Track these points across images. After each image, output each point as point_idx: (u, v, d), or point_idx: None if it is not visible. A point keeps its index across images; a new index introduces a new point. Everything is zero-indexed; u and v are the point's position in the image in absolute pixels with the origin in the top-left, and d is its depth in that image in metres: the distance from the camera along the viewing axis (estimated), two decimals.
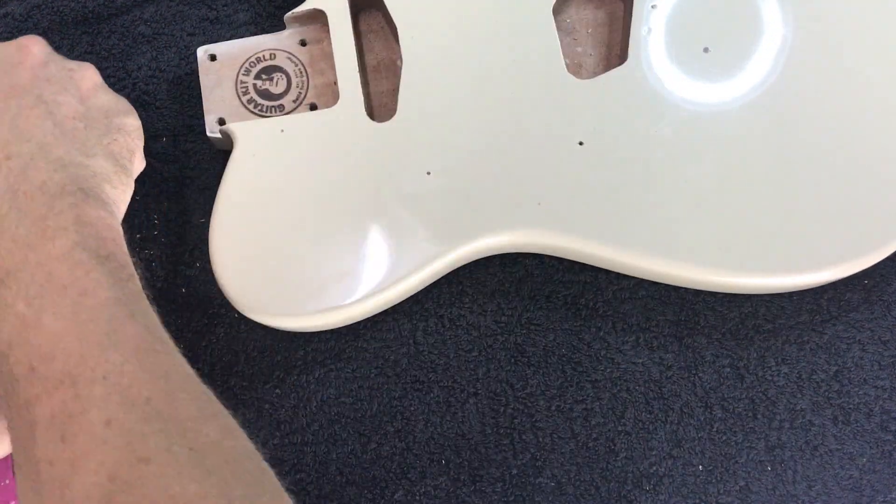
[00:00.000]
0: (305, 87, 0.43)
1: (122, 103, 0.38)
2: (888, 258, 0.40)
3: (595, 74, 0.43)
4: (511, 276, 0.43)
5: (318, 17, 0.43)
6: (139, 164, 0.39)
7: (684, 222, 0.39)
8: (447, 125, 0.41)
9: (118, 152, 0.36)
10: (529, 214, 0.40)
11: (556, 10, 0.42)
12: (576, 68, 0.44)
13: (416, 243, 0.39)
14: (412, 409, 0.42)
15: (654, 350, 0.42)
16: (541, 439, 0.41)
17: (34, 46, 0.35)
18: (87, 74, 0.37)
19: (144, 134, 0.45)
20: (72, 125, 0.34)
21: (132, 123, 0.38)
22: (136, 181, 0.44)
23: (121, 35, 0.46)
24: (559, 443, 0.41)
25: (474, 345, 0.42)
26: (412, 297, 0.41)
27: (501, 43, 0.41)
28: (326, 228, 0.39)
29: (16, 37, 0.45)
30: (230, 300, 0.39)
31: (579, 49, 0.44)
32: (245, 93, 0.42)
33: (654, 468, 0.41)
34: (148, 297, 0.32)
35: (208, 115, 0.42)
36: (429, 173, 0.40)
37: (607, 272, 0.42)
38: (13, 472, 0.35)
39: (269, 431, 0.41)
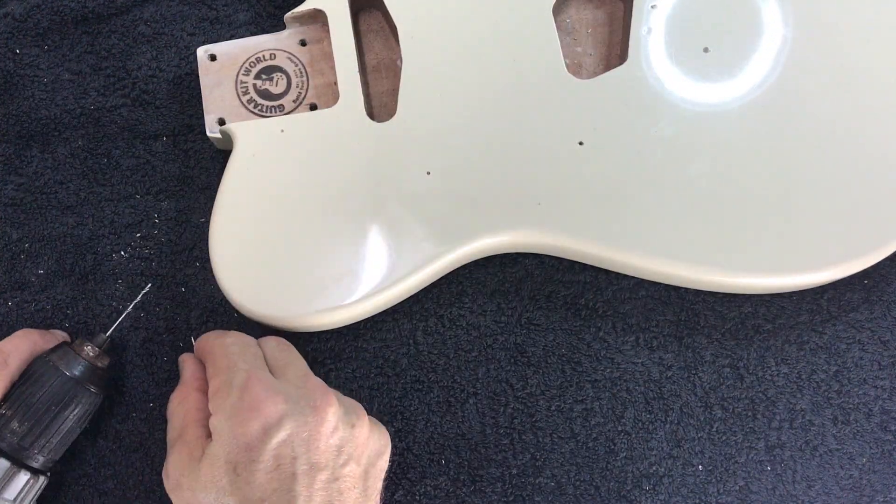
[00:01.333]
0: (305, 87, 0.43)
1: (384, 436, 0.37)
2: (888, 258, 0.40)
3: (595, 74, 0.43)
4: (511, 276, 0.43)
5: (318, 17, 0.43)
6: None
7: (684, 222, 0.39)
8: (447, 125, 0.41)
9: (377, 494, 0.36)
10: (529, 214, 0.40)
11: (556, 10, 0.42)
12: (576, 68, 0.44)
13: (416, 243, 0.39)
14: (412, 408, 0.42)
15: (653, 350, 0.42)
16: (540, 439, 0.41)
17: (330, 411, 0.34)
18: (363, 421, 0.36)
19: (144, 133, 0.45)
20: (353, 499, 0.34)
21: (388, 455, 0.37)
22: (137, 181, 0.44)
23: (121, 35, 0.46)
24: (559, 443, 0.41)
25: (474, 345, 0.42)
26: (412, 297, 0.41)
27: (501, 43, 0.41)
28: (326, 228, 0.39)
29: (16, 37, 0.46)
30: (230, 300, 0.39)
31: (579, 49, 0.44)
32: (245, 93, 0.42)
33: (654, 468, 0.41)
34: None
35: (208, 115, 0.42)
36: (429, 173, 0.40)
37: (607, 272, 0.42)
38: None
39: None
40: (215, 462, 0.33)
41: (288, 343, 0.39)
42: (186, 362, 0.39)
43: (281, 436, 0.33)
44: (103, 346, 0.39)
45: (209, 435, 0.35)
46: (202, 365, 0.39)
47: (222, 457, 0.33)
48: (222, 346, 0.37)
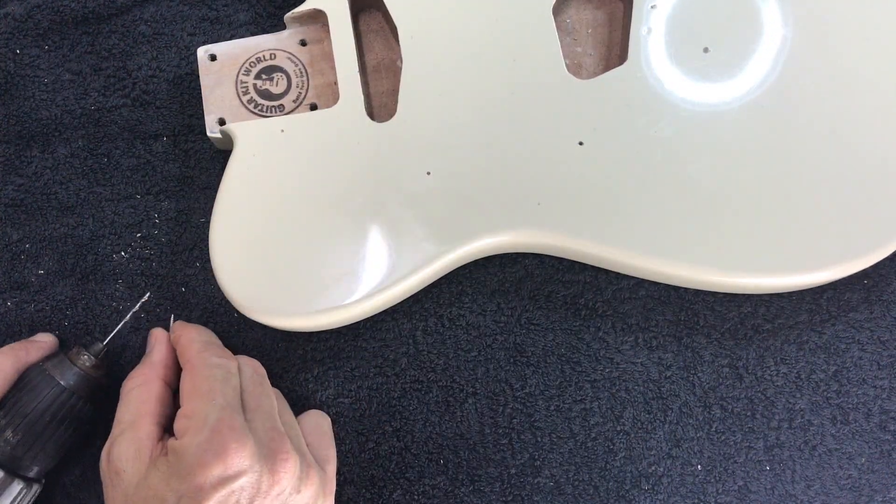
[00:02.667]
0: (305, 87, 0.43)
1: (328, 487, 0.37)
2: (888, 258, 0.40)
3: (595, 74, 0.43)
4: (511, 276, 0.43)
5: (318, 17, 0.43)
6: None
7: (684, 222, 0.39)
8: (447, 125, 0.41)
9: None
10: (529, 214, 0.40)
11: (556, 11, 0.42)
12: (576, 68, 0.44)
13: (416, 243, 0.39)
14: (411, 408, 0.42)
15: (653, 350, 0.42)
16: (539, 439, 0.41)
17: (285, 478, 0.35)
18: (309, 490, 0.36)
19: (145, 133, 0.45)
20: None
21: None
22: (137, 181, 0.45)
23: (121, 35, 0.46)
24: (558, 442, 0.41)
25: (473, 345, 0.42)
26: (412, 296, 0.41)
27: (501, 43, 0.41)
28: (326, 228, 0.39)
29: (16, 37, 0.46)
30: (230, 300, 0.39)
31: (579, 49, 0.44)
32: (245, 93, 0.43)
33: (653, 468, 0.41)
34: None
35: (208, 115, 0.42)
36: (429, 173, 0.40)
37: (607, 272, 0.43)
38: None
39: None
40: (165, 482, 0.33)
41: (263, 373, 0.39)
42: (159, 342, 0.39)
43: (233, 487, 0.33)
44: (99, 355, 0.39)
45: (161, 436, 0.35)
46: (174, 353, 0.39)
47: (173, 482, 0.33)
48: (206, 365, 0.37)
